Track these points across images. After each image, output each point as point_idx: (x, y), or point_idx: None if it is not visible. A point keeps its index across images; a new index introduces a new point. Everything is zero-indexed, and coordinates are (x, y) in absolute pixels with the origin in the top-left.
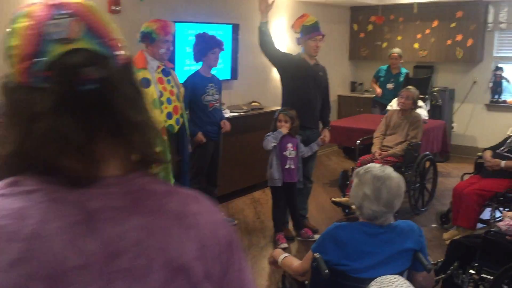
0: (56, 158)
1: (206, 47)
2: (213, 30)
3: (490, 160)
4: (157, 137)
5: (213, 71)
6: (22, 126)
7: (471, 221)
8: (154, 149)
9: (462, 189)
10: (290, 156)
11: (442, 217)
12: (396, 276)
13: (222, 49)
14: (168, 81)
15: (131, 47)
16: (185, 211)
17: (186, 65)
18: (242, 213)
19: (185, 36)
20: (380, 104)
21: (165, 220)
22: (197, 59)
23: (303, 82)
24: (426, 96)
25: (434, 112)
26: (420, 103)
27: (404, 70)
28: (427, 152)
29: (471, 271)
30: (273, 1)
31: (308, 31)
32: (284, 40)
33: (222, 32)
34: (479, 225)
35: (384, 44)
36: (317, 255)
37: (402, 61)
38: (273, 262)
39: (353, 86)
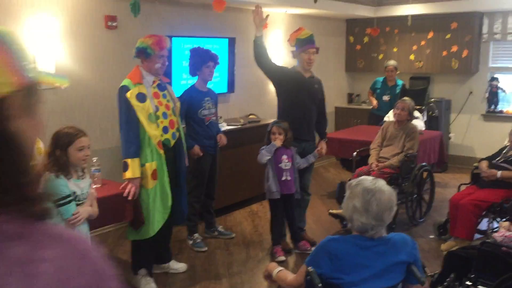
0: None
1: (200, 61)
2: (209, 44)
3: (486, 170)
4: (23, 166)
5: (210, 85)
6: None
7: (468, 232)
8: (13, 182)
9: (459, 199)
10: (285, 167)
11: (439, 228)
12: None
13: (217, 63)
14: (164, 96)
15: (128, 62)
16: (32, 256)
17: (183, 79)
18: (240, 226)
19: (181, 51)
20: (376, 117)
21: (2, 266)
22: (192, 73)
23: (298, 95)
24: (423, 107)
25: (431, 123)
26: (417, 114)
27: (400, 82)
28: (424, 163)
29: (468, 283)
30: (267, 15)
31: (302, 44)
32: (281, 53)
33: (219, 46)
34: (477, 236)
35: (380, 56)
36: (310, 268)
37: (398, 72)
38: (268, 276)
39: (350, 98)
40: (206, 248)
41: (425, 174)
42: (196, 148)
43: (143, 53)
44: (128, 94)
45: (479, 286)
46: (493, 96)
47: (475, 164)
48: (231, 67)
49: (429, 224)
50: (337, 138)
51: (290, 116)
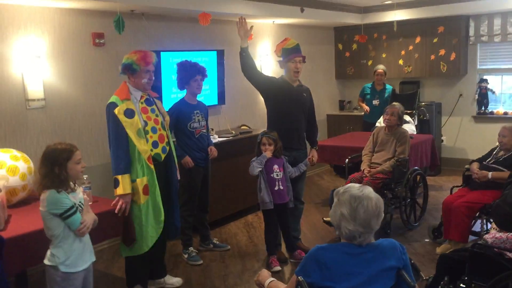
0: None
1: (187, 75)
2: (198, 57)
3: (478, 172)
4: None
5: (200, 98)
6: None
7: (462, 234)
8: None
9: (451, 202)
10: (277, 177)
11: (434, 231)
12: None
13: (205, 76)
14: (152, 110)
15: (117, 78)
16: None
17: (173, 93)
18: (235, 237)
19: (170, 65)
20: (368, 124)
21: None
22: (180, 87)
23: (286, 104)
24: (414, 111)
25: (423, 126)
26: (408, 118)
27: (388, 87)
28: (416, 167)
29: (462, 285)
30: (251, 26)
31: (288, 53)
32: (270, 63)
33: (208, 59)
34: (472, 238)
35: (370, 62)
36: (300, 278)
37: (387, 78)
38: (259, 286)
39: (342, 105)
40: (201, 262)
41: (418, 177)
42: (187, 158)
43: (129, 69)
44: (116, 111)
45: None
46: (483, 97)
47: (467, 166)
48: (220, 79)
49: (424, 227)
50: (330, 145)
51: (279, 125)
